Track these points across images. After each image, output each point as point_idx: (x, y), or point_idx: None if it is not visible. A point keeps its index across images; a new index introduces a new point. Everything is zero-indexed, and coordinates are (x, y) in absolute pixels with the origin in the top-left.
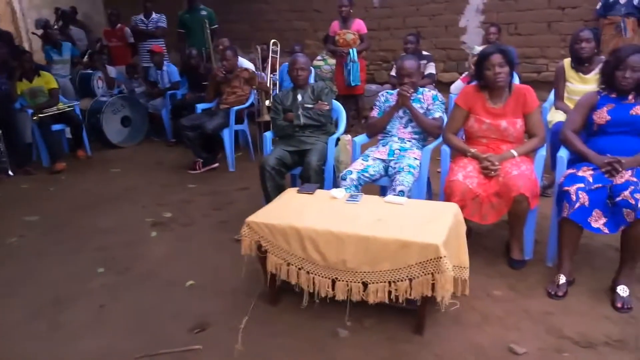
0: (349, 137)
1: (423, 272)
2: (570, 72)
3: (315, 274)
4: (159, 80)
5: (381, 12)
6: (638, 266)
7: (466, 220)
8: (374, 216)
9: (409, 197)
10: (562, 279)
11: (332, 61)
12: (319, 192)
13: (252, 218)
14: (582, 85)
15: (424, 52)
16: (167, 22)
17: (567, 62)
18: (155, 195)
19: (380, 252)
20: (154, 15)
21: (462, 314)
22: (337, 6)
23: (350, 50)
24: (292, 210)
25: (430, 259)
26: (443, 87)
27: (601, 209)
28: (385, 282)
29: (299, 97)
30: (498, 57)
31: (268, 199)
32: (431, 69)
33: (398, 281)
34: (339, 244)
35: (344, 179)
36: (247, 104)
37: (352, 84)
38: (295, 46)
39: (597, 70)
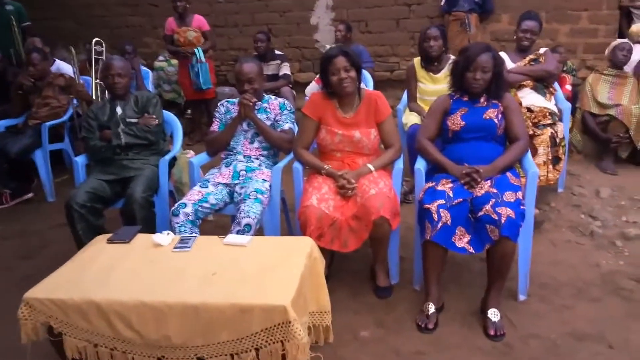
0: (191, 153)
1: (270, 340)
2: (420, 72)
3: (135, 354)
4: None
5: (227, 7)
6: (508, 281)
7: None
8: (208, 269)
9: (260, 227)
10: (431, 308)
11: (177, 62)
12: (138, 238)
13: (32, 293)
14: (433, 85)
15: (277, 52)
16: None
17: (417, 61)
18: None
19: (214, 321)
20: None
21: None
22: (171, 0)
23: (196, 50)
24: (92, 274)
25: (278, 324)
26: (300, 87)
27: (464, 226)
28: (226, 355)
29: (119, 111)
30: (342, 61)
31: (81, 247)
32: (286, 69)
33: (242, 353)
34: (158, 318)
35: (176, 215)
36: (65, 117)
37: (203, 88)
38: (126, 45)
39: (446, 69)
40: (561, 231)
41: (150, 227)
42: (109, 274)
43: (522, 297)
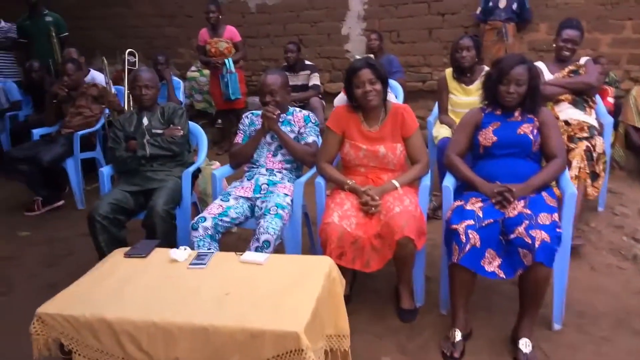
0: (216, 164)
1: None
2: (452, 83)
3: None
4: None
5: (259, 18)
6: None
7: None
8: (222, 288)
9: (282, 242)
10: (458, 336)
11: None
12: (155, 252)
13: (45, 308)
14: (465, 97)
15: (307, 62)
16: None
17: (448, 72)
18: None
19: (224, 345)
20: (2, 23)
21: None
22: (204, 12)
23: (226, 61)
24: (106, 290)
25: (290, 351)
26: (331, 98)
27: (494, 248)
28: None
29: (145, 121)
30: (367, 73)
31: (102, 257)
32: (316, 79)
33: None
34: (167, 339)
35: (195, 229)
36: (97, 126)
37: (232, 98)
38: (158, 56)
39: (479, 80)
40: (601, 254)
41: (171, 240)
42: (123, 290)
43: (557, 327)
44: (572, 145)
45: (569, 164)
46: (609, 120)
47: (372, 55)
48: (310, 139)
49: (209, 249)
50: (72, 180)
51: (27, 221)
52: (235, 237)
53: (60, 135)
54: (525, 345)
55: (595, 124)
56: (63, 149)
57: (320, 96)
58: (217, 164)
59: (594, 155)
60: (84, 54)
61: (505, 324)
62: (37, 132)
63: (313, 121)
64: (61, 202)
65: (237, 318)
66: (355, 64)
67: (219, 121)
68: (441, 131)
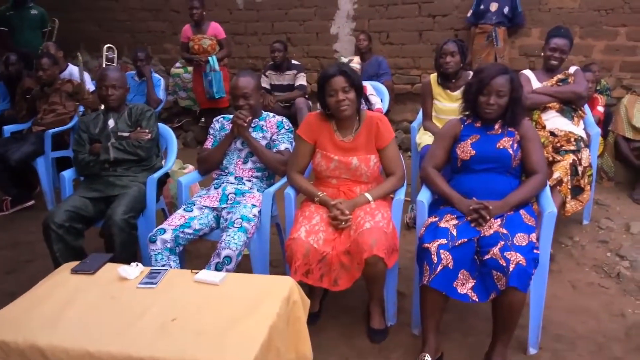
0: (189, 167)
1: None
2: (437, 89)
3: None
4: None
5: (247, 15)
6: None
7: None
8: (169, 313)
9: (239, 260)
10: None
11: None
12: (105, 269)
13: None
14: (450, 103)
15: (294, 62)
16: None
17: (433, 77)
18: None
19: None
20: None
21: None
22: (187, 8)
23: (210, 58)
24: (45, 312)
25: None
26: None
27: (468, 269)
28: None
29: (111, 123)
30: (340, 81)
31: (58, 267)
32: (302, 79)
33: None
34: None
35: (153, 241)
36: (70, 124)
37: (216, 96)
38: (138, 52)
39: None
40: (584, 271)
41: (130, 252)
42: (62, 313)
43: (532, 351)
44: (557, 157)
45: (550, 174)
46: (596, 131)
47: (357, 57)
48: (282, 147)
49: (164, 265)
50: (43, 180)
51: None
52: (208, 245)
53: (31, 132)
54: None
55: (582, 134)
56: (33, 147)
57: (306, 96)
58: (191, 167)
59: (579, 169)
60: (69, 48)
61: (478, 347)
62: (7, 129)
63: (287, 127)
64: (31, 202)
65: (179, 349)
66: (328, 71)
67: (203, 119)
68: (424, 138)
